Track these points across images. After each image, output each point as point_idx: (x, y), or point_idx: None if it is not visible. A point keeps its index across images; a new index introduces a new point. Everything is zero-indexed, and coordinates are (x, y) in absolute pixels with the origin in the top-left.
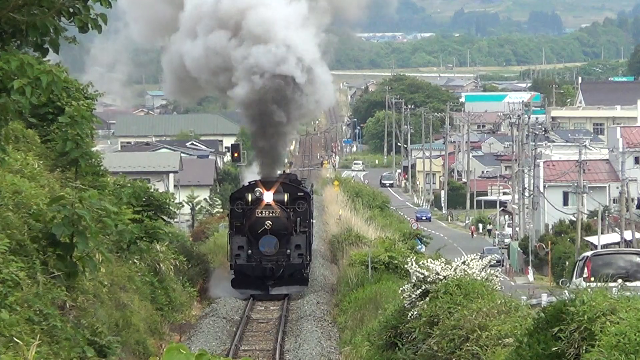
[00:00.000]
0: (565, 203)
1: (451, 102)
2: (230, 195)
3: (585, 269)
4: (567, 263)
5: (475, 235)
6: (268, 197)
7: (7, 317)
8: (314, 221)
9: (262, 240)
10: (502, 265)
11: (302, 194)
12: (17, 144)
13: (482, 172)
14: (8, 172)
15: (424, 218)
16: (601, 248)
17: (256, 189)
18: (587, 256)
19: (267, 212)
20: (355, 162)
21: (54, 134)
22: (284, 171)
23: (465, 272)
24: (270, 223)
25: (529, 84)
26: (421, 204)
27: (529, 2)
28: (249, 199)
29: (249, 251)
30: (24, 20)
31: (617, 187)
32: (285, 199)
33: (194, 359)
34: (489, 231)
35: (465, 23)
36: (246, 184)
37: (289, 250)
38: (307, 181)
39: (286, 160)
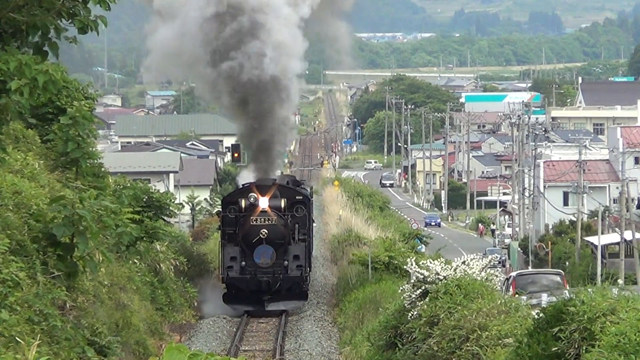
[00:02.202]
0: (566, 203)
1: (451, 102)
2: (222, 199)
3: (511, 287)
4: (567, 263)
5: (483, 235)
6: (263, 202)
7: (7, 317)
8: (315, 224)
9: (256, 251)
10: (504, 266)
11: (301, 197)
12: (17, 144)
13: (482, 172)
14: (8, 172)
15: (433, 223)
16: (597, 250)
17: (250, 193)
18: (513, 276)
19: (262, 220)
20: (367, 161)
21: (55, 134)
22: (281, 172)
23: (465, 272)
24: (266, 231)
25: (529, 84)
26: (421, 204)
27: (529, 2)
28: (243, 204)
29: (243, 262)
30: (24, 20)
31: (617, 187)
32: (282, 205)
33: (187, 358)
34: (493, 231)
35: (465, 23)
36: (240, 186)
37: (286, 262)
38: (307, 183)
39: (286, 160)
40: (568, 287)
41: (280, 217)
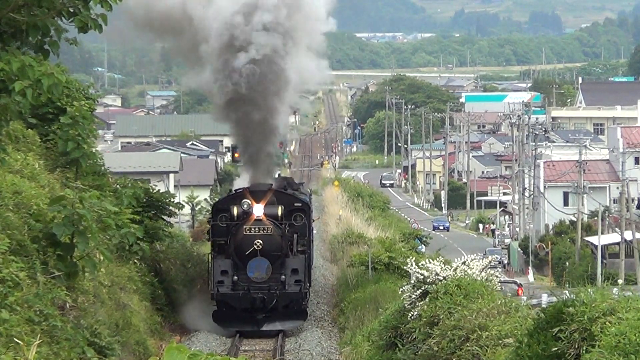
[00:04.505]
0: (566, 203)
1: (451, 102)
2: (213, 205)
3: None
4: (567, 263)
5: (488, 233)
6: (258, 210)
7: (7, 317)
8: (315, 232)
9: (250, 264)
10: (504, 267)
11: (300, 204)
12: (17, 144)
13: (482, 172)
14: (8, 172)
15: (441, 227)
16: (597, 250)
17: (243, 200)
18: None
19: (256, 229)
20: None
21: (55, 134)
22: (279, 174)
23: (465, 273)
24: (261, 242)
25: (529, 84)
26: (421, 204)
27: (529, 2)
28: (235, 212)
29: (235, 277)
30: (25, 20)
31: (618, 188)
32: (279, 212)
33: (187, 358)
34: (493, 231)
35: (465, 23)
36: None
37: (283, 276)
38: (305, 185)
39: (286, 161)
40: (523, 295)
41: (276, 226)
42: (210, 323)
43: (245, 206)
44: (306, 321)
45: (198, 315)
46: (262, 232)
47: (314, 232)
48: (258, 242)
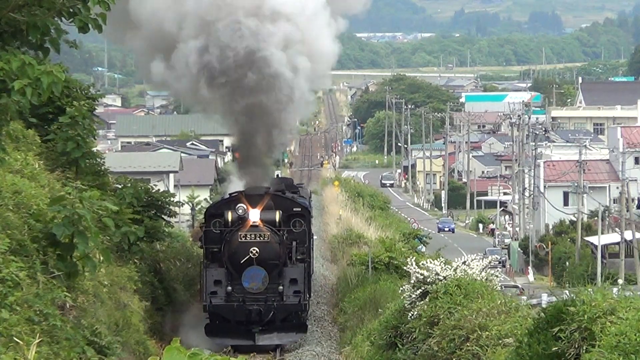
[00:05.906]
0: (566, 203)
1: (451, 102)
2: (206, 210)
3: None
4: (567, 263)
5: (488, 232)
6: (254, 215)
7: (7, 317)
8: (315, 237)
9: (245, 273)
10: (504, 267)
11: (299, 209)
12: (17, 144)
13: (483, 172)
14: (8, 172)
15: (446, 229)
16: (597, 250)
17: (238, 204)
18: None
19: (252, 236)
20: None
21: (55, 134)
22: (277, 175)
23: (466, 273)
24: (257, 250)
25: (529, 84)
26: (421, 204)
27: (529, 2)
28: (229, 217)
29: (229, 287)
30: (25, 20)
31: (618, 187)
32: (277, 218)
33: (186, 357)
34: (493, 231)
35: (465, 23)
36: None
37: (281, 287)
38: (305, 187)
39: (286, 161)
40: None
41: (274, 233)
42: (203, 336)
43: (240, 211)
44: (307, 321)
45: (190, 328)
46: (258, 239)
47: (314, 237)
48: (254, 250)
